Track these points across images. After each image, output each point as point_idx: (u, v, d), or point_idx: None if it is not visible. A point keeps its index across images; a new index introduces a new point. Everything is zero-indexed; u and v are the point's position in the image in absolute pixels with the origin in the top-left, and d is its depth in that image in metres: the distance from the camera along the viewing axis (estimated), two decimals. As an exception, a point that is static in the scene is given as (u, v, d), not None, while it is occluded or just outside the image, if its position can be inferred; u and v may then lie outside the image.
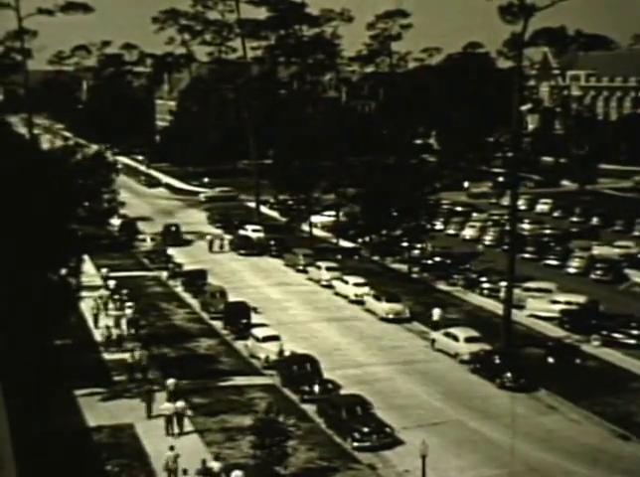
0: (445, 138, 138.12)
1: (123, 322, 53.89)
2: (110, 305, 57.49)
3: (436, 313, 55.96)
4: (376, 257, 74.80)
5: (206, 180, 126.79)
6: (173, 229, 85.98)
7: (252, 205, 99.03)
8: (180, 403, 39.00)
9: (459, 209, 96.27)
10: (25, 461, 31.38)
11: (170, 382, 41.63)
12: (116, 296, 59.44)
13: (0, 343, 39.00)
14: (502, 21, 52.45)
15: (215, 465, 33.33)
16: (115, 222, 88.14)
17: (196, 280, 64.11)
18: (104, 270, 67.67)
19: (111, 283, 63.07)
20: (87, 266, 60.42)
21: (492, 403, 42.71)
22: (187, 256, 76.87)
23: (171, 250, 76.91)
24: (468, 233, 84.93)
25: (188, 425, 38.96)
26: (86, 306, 55.19)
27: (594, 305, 56.88)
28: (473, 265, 69.32)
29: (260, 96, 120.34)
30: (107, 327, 50.93)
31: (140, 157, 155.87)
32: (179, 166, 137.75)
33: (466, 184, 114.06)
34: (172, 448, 34.40)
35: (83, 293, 49.54)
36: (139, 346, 48.24)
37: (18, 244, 39.97)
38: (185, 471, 32.90)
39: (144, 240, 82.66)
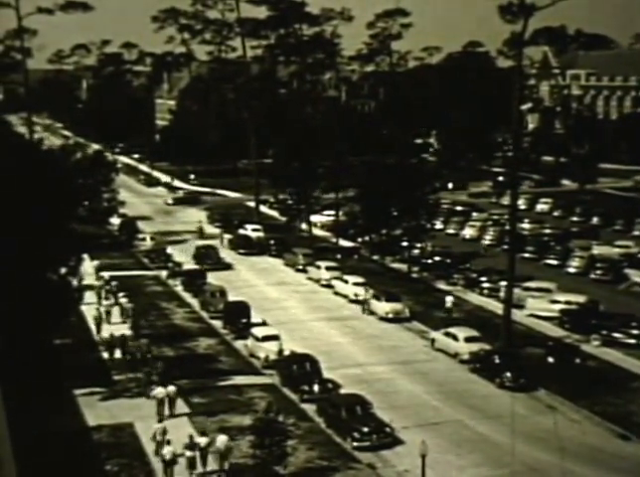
0: (445, 138, 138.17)
1: (116, 312, 55.05)
2: (104, 295, 59.14)
3: (449, 300, 57.65)
4: (375, 257, 74.76)
5: (192, 177, 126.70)
6: (210, 250, 75.05)
7: (252, 204, 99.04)
8: (171, 387, 40.40)
9: (459, 208, 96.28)
10: (25, 461, 31.35)
11: (159, 364, 43.76)
12: (107, 287, 60.60)
13: (0, 343, 38.98)
14: (502, 20, 52.45)
15: (202, 440, 34.59)
16: (115, 221, 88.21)
17: (195, 279, 64.09)
18: (96, 262, 68.65)
19: (106, 275, 64.40)
20: (86, 265, 60.56)
21: (492, 403, 42.71)
22: (187, 255, 76.81)
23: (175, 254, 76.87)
24: (468, 232, 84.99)
25: (187, 425, 38.99)
26: (86, 307, 55.24)
27: (594, 305, 56.88)
28: (473, 265, 69.33)
29: (260, 96, 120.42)
30: (111, 335, 50.31)
31: (136, 156, 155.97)
32: (178, 165, 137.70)
33: (450, 185, 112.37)
34: (160, 421, 36.68)
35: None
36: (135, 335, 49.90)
37: (18, 244, 39.95)
38: (168, 441, 34.39)
39: (144, 240, 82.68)
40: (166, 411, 39.73)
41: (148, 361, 45.26)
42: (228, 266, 73.27)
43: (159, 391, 40.38)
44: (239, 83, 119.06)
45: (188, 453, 34.00)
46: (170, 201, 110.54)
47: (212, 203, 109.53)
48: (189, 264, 71.61)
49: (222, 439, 34.77)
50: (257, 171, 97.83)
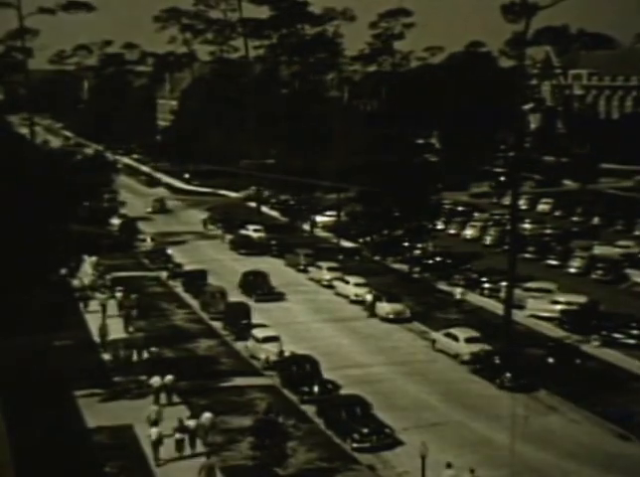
0: (447, 138, 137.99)
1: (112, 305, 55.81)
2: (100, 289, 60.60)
3: (458, 292, 58.58)
4: (377, 257, 74.70)
5: (186, 176, 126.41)
6: (260, 277, 63.92)
7: (253, 204, 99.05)
8: (168, 377, 41.29)
9: (460, 208, 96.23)
10: (24, 462, 31.37)
11: (153, 350, 45.65)
12: (100, 282, 61.78)
13: (0, 344, 39.04)
14: (504, 20, 52.49)
15: (191, 423, 35.89)
16: (115, 221, 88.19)
17: (196, 280, 64.02)
18: (93, 259, 68.85)
19: (101, 269, 65.94)
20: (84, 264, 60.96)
21: (492, 404, 42.66)
22: (187, 256, 76.84)
23: (173, 252, 76.87)
24: (469, 232, 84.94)
25: (183, 415, 38.93)
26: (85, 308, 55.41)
27: (594, 305, 56.84)
28: (474, 265, 69.25)
29: (262, 96, 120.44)
30: (114, 340, 50.06)
31: (137, 156, 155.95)
32: (180, 166, 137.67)
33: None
34: (155, 401, 38.50)
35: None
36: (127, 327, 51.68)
37: (18, 245, 39.98)
38: (155, 422, 35.86)
39: (144, 240, 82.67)
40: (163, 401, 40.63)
41: (142, 355, 46.23)
42: (280, 297, 62.73)
43: (155, 380, 41.07)
44: (241, 84, 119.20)
45: (177, 435, 35.24)
46: (149, 209, 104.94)
47: (213, 203, 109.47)
48: (189, 265, 71.63)
49: (206, 417, 36.11)
50: (258, 171, 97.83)
